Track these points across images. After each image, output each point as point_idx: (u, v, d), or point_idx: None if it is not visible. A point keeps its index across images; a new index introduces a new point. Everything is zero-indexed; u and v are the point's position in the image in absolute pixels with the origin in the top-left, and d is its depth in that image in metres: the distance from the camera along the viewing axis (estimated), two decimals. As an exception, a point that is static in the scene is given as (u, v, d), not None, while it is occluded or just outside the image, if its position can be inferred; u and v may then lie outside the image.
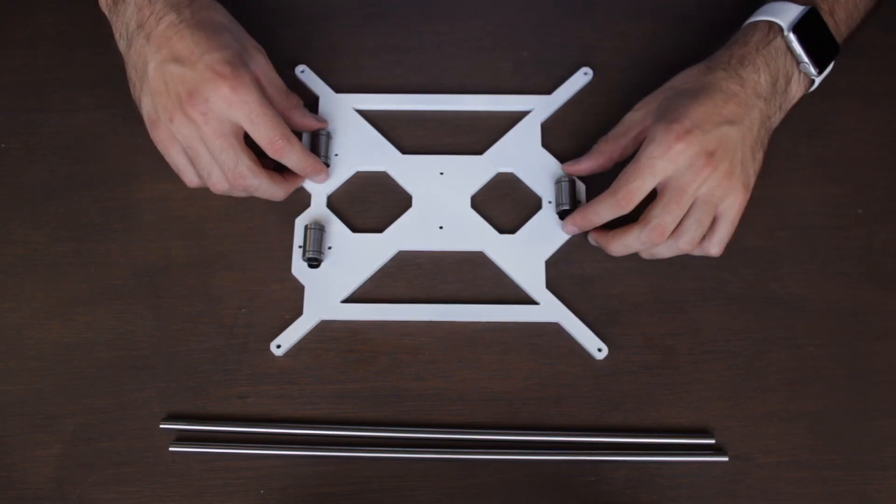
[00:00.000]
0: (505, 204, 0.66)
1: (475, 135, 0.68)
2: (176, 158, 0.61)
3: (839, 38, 0.62)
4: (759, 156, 0.60)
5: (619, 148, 0.62)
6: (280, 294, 0.63)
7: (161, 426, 0.59)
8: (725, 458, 0.58)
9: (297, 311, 0.62)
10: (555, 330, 0.62)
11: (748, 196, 0.59)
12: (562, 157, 0.67)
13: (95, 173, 0.67)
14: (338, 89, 0.70)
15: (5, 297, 0.63)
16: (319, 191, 0.66)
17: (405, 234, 0.64)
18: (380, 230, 0.64)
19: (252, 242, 0.65)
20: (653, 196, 0.59)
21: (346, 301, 0.62)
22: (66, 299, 0.63)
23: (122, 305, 0.63)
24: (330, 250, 0.63)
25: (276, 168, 0.63)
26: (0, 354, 0.61)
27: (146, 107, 0.60)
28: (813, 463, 0.58)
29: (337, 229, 0.64)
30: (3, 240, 0.65)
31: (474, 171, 0.66)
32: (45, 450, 0.58)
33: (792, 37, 0.59)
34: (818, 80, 0.62)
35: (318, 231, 0.63)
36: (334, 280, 0.62)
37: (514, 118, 0.68)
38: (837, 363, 0.61)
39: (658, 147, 0.57)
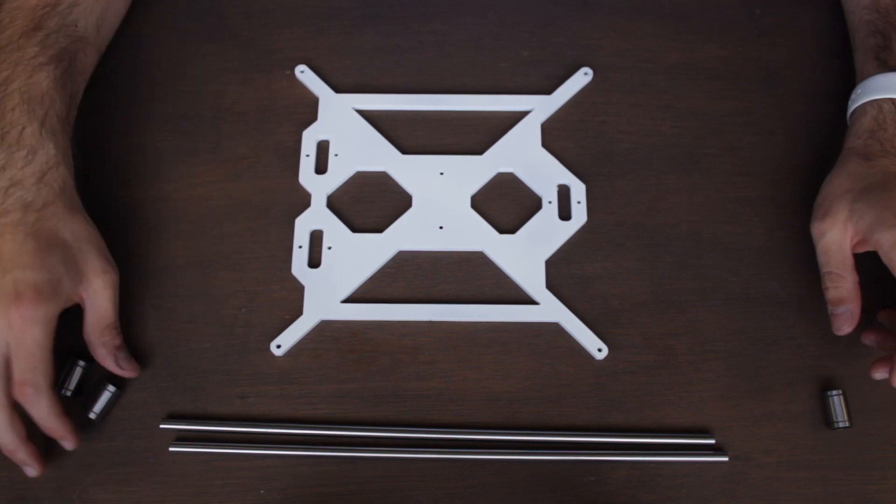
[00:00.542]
0: (505, 204, 0.66)
1: (475, 135, 0.68)
2: None
3: None
4: None
5: (854, 280, 0.58)
6: (280, 294, 0.63)
7: (161, 426, 0.59)
8: (725, 458, 0.58)
9: (297, 312, 0.62)
10: (555, 330, 0.62)
11: None
12: (562, 157, 0.67)
13: (95, 173, 0.67)
14: (338, 89, 0.70)
15: (5, 297, 0.63)
16: (319, 190, 0.66)
17: (405, 235, 0.64)
18: (380, 230, 0.64)
19: (252, 242, 0.65)
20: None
21: (346, 301, 0.62)
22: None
23: (123, 305, 0.63)
24: (330, 250, 0.63)
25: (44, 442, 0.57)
26: (0, 354, 0.61)
27: None
28: (813, 463, 0.58)
29: (337, 229, 0.64)
30: (3, 240, 0.65)
31: (474, 171, 0.66)
32: (45, 450, 0.58)
33: None
34: None
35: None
36: (334, 280, 0.62)
37: (514, 118, 0.68)
38: (837, 363, 0.61)
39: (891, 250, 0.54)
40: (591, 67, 0.71)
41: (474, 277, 0.64)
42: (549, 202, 0.65)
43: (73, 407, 0.59)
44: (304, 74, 0.70)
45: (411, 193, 0.66)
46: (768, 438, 0.59)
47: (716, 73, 0.71)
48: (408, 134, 0.69)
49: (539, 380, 0.61)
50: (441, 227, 0.64)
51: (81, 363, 0.59)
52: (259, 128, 0.69)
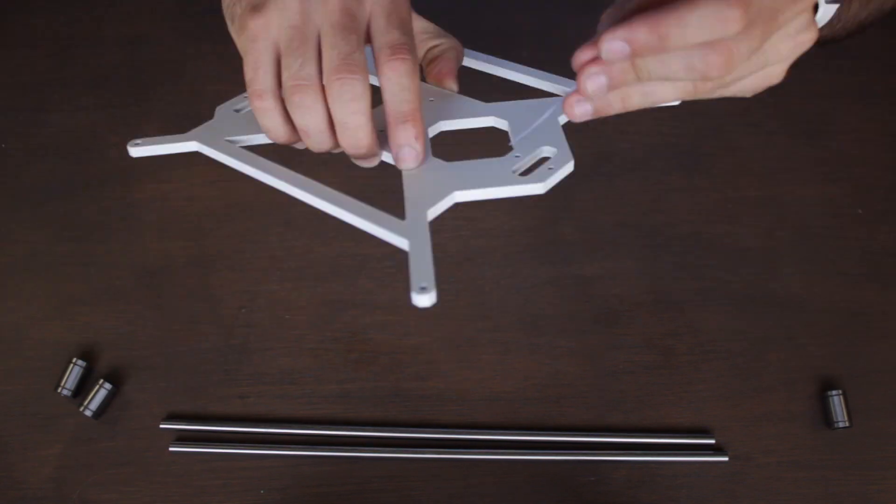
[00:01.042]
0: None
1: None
2: (258, 55, 0.43)
3: None
4: None
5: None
6: (280, 294, 0.63)
7: (161, 426, 0.59)
8: (725, 458, 0.58)
9: (295, 314, 0.62)
10: (556, 330, 0.62)
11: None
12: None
13: (95, 173, 0.67)
14: None
15: (5, 297, 0.63)
16: None
17: None
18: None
19: (252, 242, 0.65)
20: None
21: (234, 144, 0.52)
22: (66, 299, 0.63)
23: (122, 305, 0.63)
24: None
25: None
26: (0, 354, 0.61)
27: None
28: (813, 463, 0.58)
29: None
30: (3, 240, 0.65)
31: (466, 111, 0.52)
32: (45, 450, 0.58)
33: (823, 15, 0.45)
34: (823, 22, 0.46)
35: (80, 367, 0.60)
36: (242, 125, 0.53)
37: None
38: (837, 363, 0.61)
39: None
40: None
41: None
42: (516, 156, 0.48)
43: (71, 406, 0.59)
44: None
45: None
46: (768, 438, 0.59)
47: (716, 73, 0.71)
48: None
49: (539, 380, 0.61)
50: None
51: (81, 363, 0.59)
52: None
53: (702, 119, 0.69)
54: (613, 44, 0.36)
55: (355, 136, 0.43)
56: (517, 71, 0.57)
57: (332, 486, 0.58)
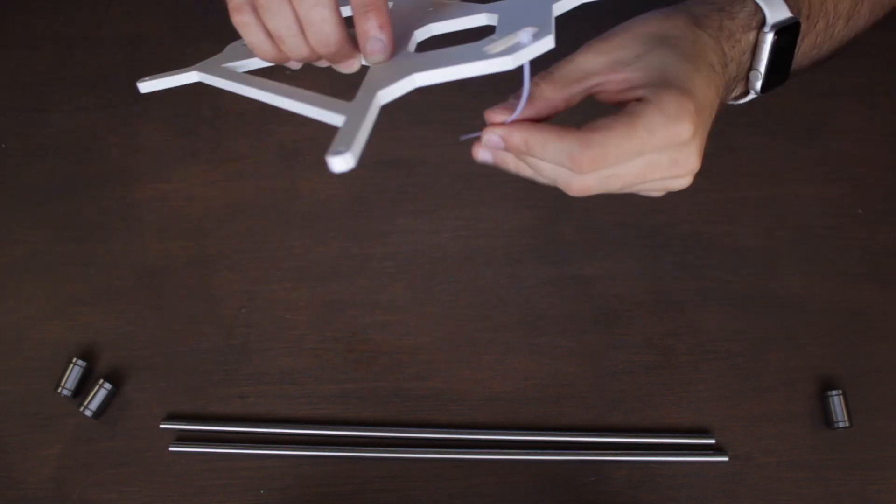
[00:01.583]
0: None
1: None
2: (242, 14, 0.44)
3: (793, 67, 0.52)
4: None
5: (567, 97, 0.45)
6: (280, 294, 0.63)
7: (161, 426, 0.59)
8: (725, 458, 0.58)
9: (297, 309, 0.62)
10: (556, 330, 0.62)
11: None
12: None
13: (95, 173, 0.67)
14: None
15: (5, 297, 0.63)
16: None
17: None
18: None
19: (252, 242, 0.65)
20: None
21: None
22: (66, 299, 0.63)
23: (122, 305, 0.63)
24: None
25: None
26: (0, 354, 0.61)
27: None
28: (813, 463, 0.58)
29: None
30: (3, 240, 0.65)
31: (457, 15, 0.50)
32: (45, 450, 0.58)
33: (770, 37, 0.48)
34: (742, 101, 0.52)
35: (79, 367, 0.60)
36: (242, 54, 0.53)
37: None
38: (837, 363, 0.61)
39: (666, 122, 0.41)
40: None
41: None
42: (493, 40, 0.43)
43: (71, 406, 0.59)
44: None
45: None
46: (768, 438, 0.59)
47: (716, 73, 0.71)
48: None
49: (539, 380, 0.61)
50: None
51: (81, 363, 0.59)
52: (259, 128, 0.69)
53: (702, 119, 0.69)
54: (491, 137, 0.44)
55: (322, 31, 0.43)
56: None
57: (332, 486, 0.58)
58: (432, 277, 0.64)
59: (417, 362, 0.61)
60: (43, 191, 0.67)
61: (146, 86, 0.51)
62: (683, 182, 0.47)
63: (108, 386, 0.59)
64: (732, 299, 0.63)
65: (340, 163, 0.36)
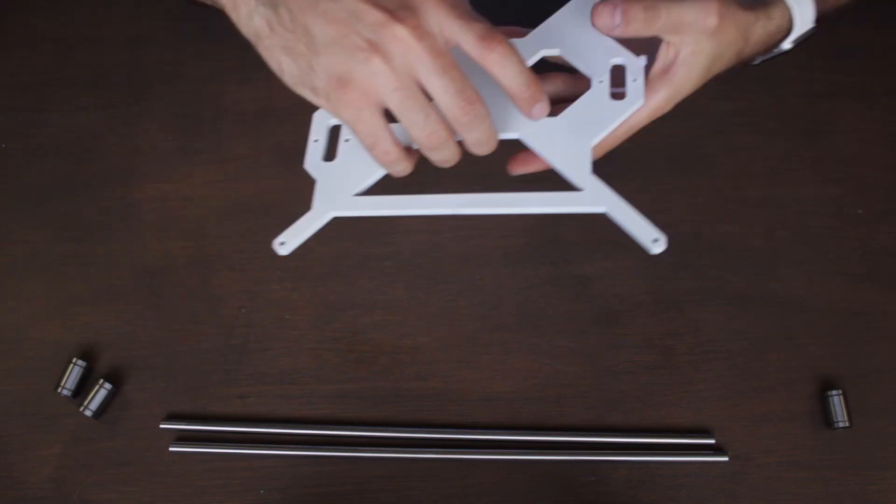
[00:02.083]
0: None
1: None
2: (371, 123, 0.45)
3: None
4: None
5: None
6: (280, 294, 0.63)
7: (161, 426, 0.59)
8: (725, 458, 0.58)
9: (298, 309, 0.62)
10: (556, 330, 0.62)
11: None
12: None
13: (95, 173, 0.67)
14: None
15: (5, 297, 0.63)
16: None
17: None
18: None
19: (252, 242, 0.65)
20: None
21: (360, 195, 0.53)
22: (66, 299, 0.63)
23: (122, 305, 0.63)
24: (347, 143, 0.54)
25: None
26: (0, 354, 0.61)
27: (325, 66, 0.44)
28: (813, 463, 0.58)
29: None
30: (3, 240, 0.65)
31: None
32: (45, 450, 0.58)
33: (786, 46, 0.55)
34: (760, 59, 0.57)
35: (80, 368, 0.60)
36: (349, 173, 0.53)
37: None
38: (837, 363, 0.61)
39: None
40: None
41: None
42: (600, 81, 0.54)
43: (71, 406, 0.59)
44: None
45: None
46: (768, 438, 0.59)
47: (716, 73, 0.71)
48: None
49: (539, 380, 0.61)
50: None
51: (81, 363, 0.59)
52: (259, 128, 0.69)
53: (701, 119, 0.69)
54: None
55: (488, 145, 0.48)
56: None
57: (331, 486, 0.58)
58: (432, 277, 0.64)
59: (417, 362, 0.61)
60: (43, 191, 0.67)
61: (286, 247, 0.51)
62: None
63: (108, 386, 0.59)
64: (732, 299, 0.63)
65: (660, 247, 0.48)
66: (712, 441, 0.59)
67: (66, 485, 0.58)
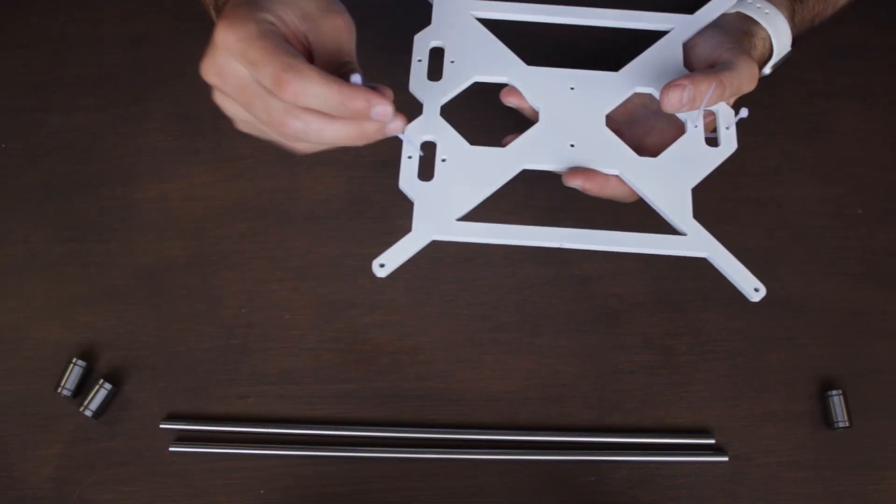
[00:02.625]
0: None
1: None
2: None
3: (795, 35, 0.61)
4: None
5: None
6: (280, 294, 0.63)
7: (161, 426, 0.59)
8: (725, 458, 0.58)
9: (301, 309, 0.62)
10: (556, 330, 0.62)
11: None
12: None
13: (95, 173, 0.67)
14: None
15: (5, 297, 0.63)
16: (432, 99, 0.55)
17: (531, 151, 0.54)
18: (501, 145, 0.55)
19: (252, 242, 0.65)
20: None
21: (462, 220, 0.53)
22: (66, 299, 0.63)
23: (122, 305, 0.63)
24: (444, 163, 0.54)
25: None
26: (0, 354, 0.61)
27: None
28: (813, 463, 0.58)
29: (452, 141, 0.54)
30: (3, 240, 0.65)
31: (609, 88, 0.57)
32: (45, 450, 0.58)
33: (766, 71, 0.60)
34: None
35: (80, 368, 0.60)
36: (449, 196, 0.53)
37: (651, 38, 0.60)
38: (837, 363, 0.61)
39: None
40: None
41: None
42: (695, 126, 0.56)
43: (71, 406, 0.59)
44: None
45: (537, 107, 0.56)
46: (768, 438, 0.59)
47: (716, 73, 0.71)
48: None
49: (539, 380, 0.61)
50: (572, 146, 0.55)
51: (81, 363, 0.59)
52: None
53: (702, 119, 0.69)
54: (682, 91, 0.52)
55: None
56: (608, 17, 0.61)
57: (332, 486, 0.58)
58: (432, 277, 0.64)
59: (417, 362, 0.61)
60: (43, 191, 0.67)
61: (385, 270, 0.51)
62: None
63: (108, 386, 0.59)
64: (732, 299, 0.63)
65: (759, 296, 0.51)
66: (712, 441, 0.59)
67: (66, 485, 0.58)
